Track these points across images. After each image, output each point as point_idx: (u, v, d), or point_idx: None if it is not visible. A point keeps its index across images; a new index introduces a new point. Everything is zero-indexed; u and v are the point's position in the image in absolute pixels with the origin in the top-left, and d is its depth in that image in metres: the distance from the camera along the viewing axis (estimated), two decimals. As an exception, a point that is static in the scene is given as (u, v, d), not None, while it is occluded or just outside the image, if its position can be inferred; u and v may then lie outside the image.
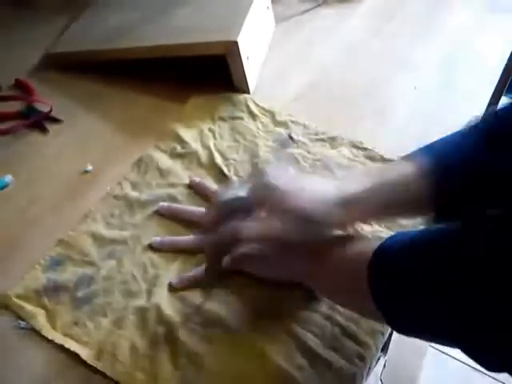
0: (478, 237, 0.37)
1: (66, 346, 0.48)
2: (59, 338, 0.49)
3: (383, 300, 0.42)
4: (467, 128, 0.49)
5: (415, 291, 0.40)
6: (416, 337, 0.42)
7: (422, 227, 0.59)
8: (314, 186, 0.49)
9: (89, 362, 0.47)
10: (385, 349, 0.74)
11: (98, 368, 0.47)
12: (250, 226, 0.51)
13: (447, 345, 0.39)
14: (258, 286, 0.53)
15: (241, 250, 0.53)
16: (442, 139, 0.49)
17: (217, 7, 0.77)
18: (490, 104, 0.77)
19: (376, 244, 0.44)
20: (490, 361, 0.37)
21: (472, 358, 0.37)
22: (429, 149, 0.49)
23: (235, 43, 0.68)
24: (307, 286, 0.52)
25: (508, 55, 0.82)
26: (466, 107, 0.73)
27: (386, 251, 0.43)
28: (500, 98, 0.90)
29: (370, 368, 0.49)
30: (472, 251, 0.37)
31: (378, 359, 0.53)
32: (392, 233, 0.57)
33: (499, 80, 0.80)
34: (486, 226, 0.38)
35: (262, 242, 0.50)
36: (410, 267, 0.40)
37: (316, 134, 0.69)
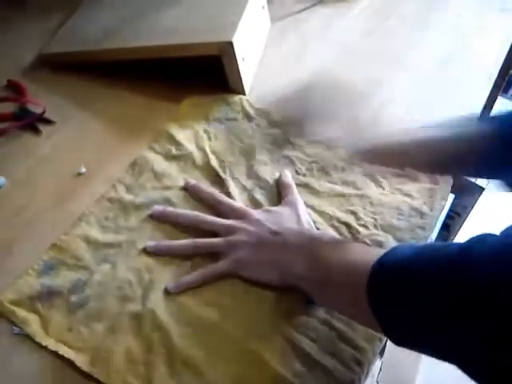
0: (478, 256, 0.37)
1: (60, 352, 0.48)
2: (53, 345, 0.48)
3: (382, 314, 0.42)
4: None
5: (414, 307, 0.39)
6: (414, 350, 0.42)
7: (415, 229, 0.58)
8: None
9: (83, 368, 0.47)
10: (381, 351, 0.73)
11: (93, 375, 0.47)
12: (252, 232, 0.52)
13: (445, 360, 0.39)
14: (255, 291, 0.52)
15: (238, 254, 0.53)
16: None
17: (212, 7, 0.76)
18: (486, 104, 0.77)
19: (375, 254, 0.43)
20: (487, 379, 0.36)
21: (469, 376, 0.36)
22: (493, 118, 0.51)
23: (230, 44, 0.67)
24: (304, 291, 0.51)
25: (505, 55, 0.82)
26: (462, 108, 0.73)
27: (386, 266, 0.42)
28: (496, 99, 0.90)
29: (367, 373, 0.49)
30: (471, 271, 0.36)
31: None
32: (389, 235, 0.58)
33: (496, 80, 0.80)
34: (486, 246, 0.37)
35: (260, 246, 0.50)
36: (410, 284, 0.40)
37: (312, 136, 0.68)
